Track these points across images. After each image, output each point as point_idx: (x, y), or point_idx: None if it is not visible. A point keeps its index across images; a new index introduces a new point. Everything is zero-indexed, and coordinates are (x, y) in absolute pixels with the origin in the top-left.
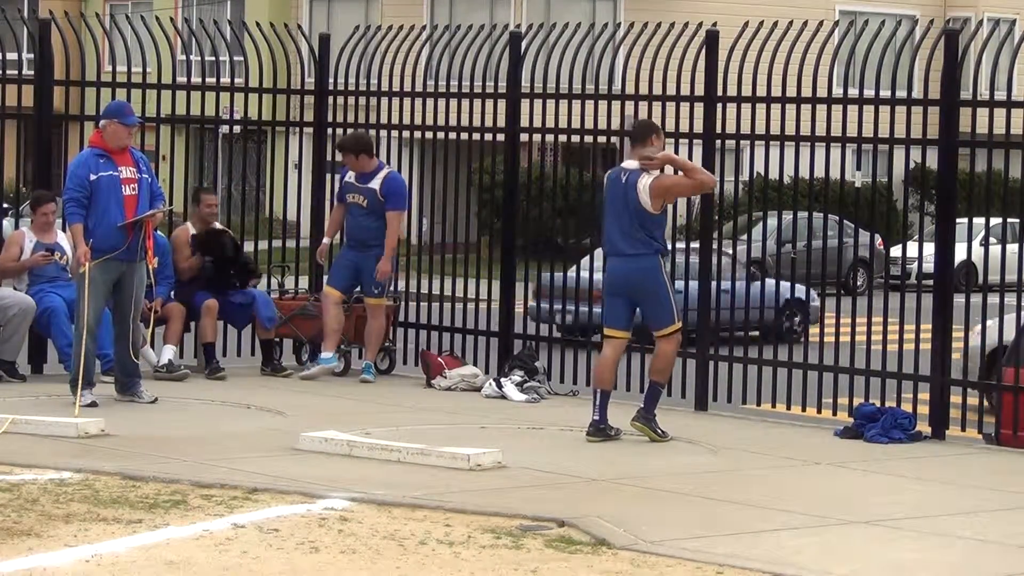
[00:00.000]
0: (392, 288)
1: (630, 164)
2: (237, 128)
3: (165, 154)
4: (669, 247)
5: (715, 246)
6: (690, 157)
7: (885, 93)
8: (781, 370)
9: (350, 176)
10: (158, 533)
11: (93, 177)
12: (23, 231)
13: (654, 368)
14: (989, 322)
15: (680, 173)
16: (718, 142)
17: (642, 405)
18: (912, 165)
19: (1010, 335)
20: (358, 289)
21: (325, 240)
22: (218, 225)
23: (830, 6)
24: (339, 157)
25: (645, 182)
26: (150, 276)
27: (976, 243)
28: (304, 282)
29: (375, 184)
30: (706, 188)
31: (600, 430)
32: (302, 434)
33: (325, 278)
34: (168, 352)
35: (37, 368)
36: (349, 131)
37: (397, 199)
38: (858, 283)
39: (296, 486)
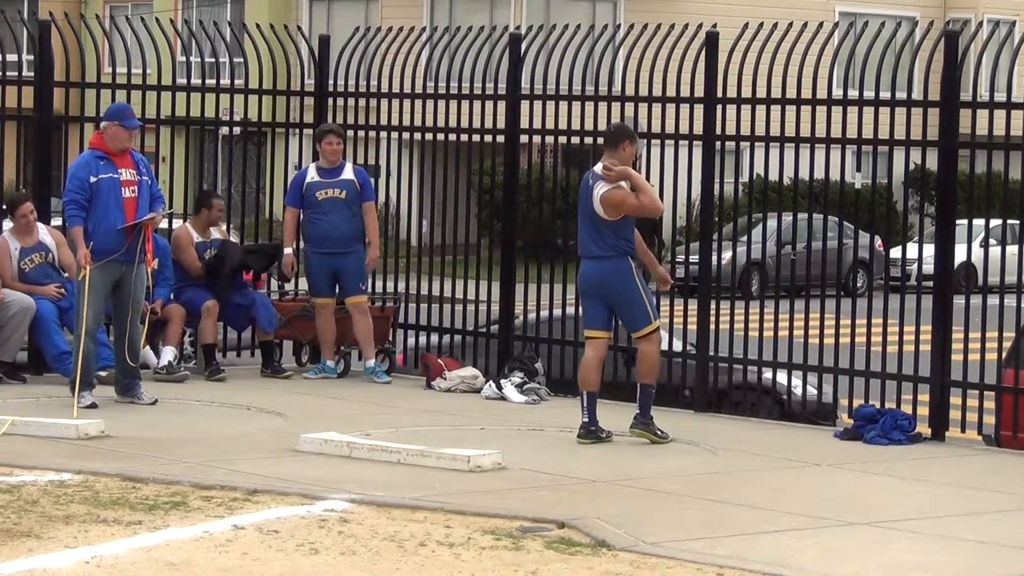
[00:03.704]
0: (392, 290)
1: (599, 168)
2: (237, 130)
3: (165, 156)
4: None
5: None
6: (690, 158)
7: (885, 94)
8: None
9: (312, 176)
10: (158, 534)
11: (93, 179)
12: (5, 238)
13: (640, 371)
14: None
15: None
16: (718, 143)
17: (638, 410)
18: (912, 166)
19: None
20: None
21: (289, 250)
22: (217, 233)
23: (830, 7)
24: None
25: (599, 191)
26: (149, 278)
27: (976, 244)
28: (304, 284)
29: (348, 175)
30: (648, 212)
31: (591, 432)
32: (302, 435)
33: (306, 288)
34: (168, 354)
35: (37, 370)
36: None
37: (371, 188)
38: (858, 284)
39: (296, 487)
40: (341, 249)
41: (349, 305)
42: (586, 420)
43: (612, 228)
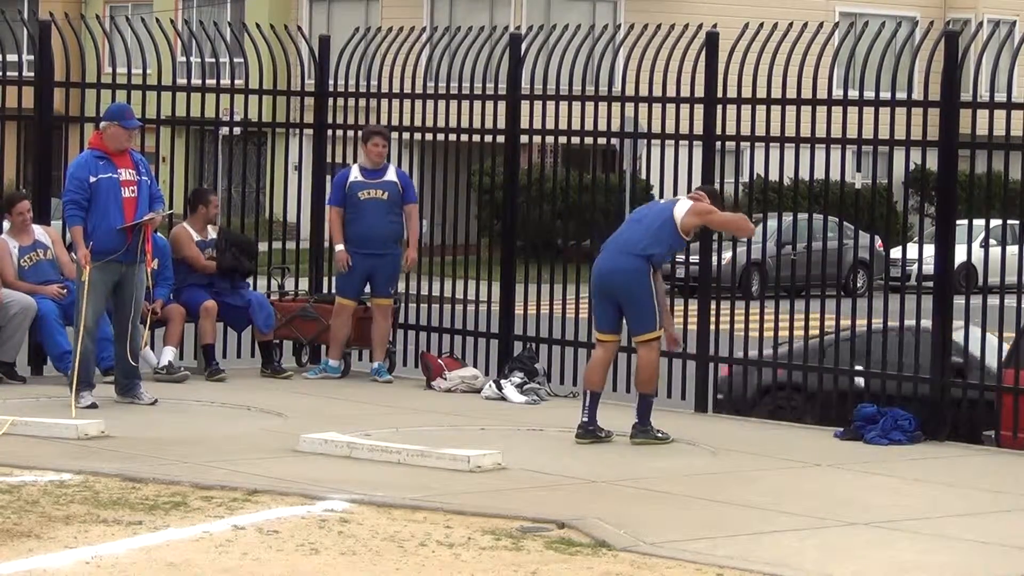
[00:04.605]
0: (392, 290)
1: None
2: (237, 130)
3: (165, 156)
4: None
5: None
6: (690, 158)
7: (885, 95)
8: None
9: (355, 175)
10: (158, 535)
11: (93, 179)
12: (4, 240)
13: (639, 380)
14: None
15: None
16: (718, 144)
17: (636, 420)
18: (912, 167)
19: None
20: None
21: (341, 247)
22: (214, 232)
23: (830, 7)
24: (339, 155)
25: (687, 203)
26: (149, 278)
27: (976, 245)
28: (304, 284)
29: (391, 177)
30: (736, 228)
31: (589, 431)
32: (302, 436)
33: (335, 287)
34: (168, 354)
35: (37, 370)
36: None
37: (414, 190)
38: (858, 284)
39: (296, 488)
40: (379, 250)
41: (374, 306)
42: (585, 420)
43: (671, 242)
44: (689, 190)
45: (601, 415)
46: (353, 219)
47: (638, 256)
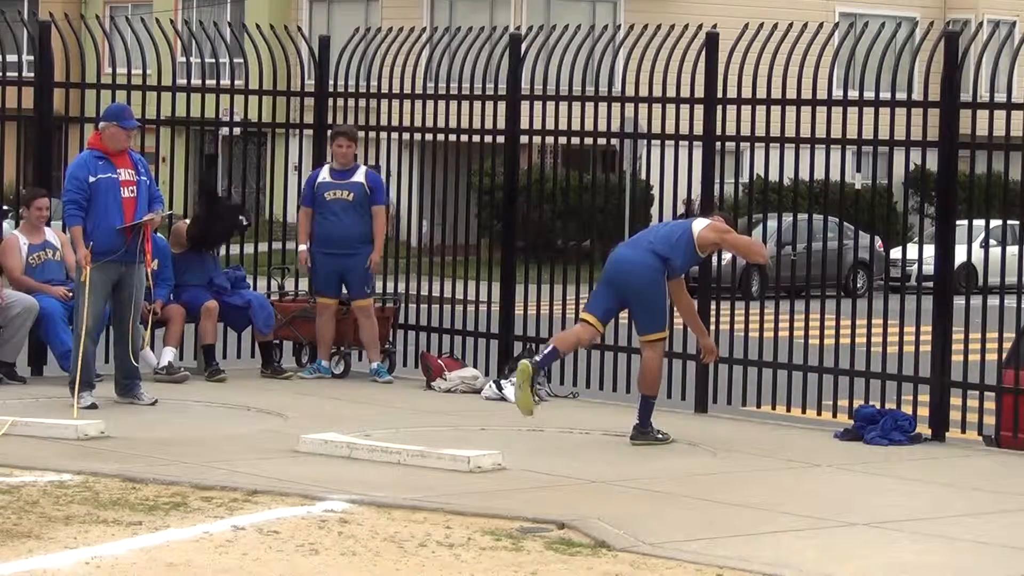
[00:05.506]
0: (392, 290)
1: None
2: (237, 130)
3: (165, 156)
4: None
5: None
6: (690, 158)
7: (885, 95)
8: (781, 372)
9: (323, 176)
10: (158, 535)
11: (92, 179)
12: (16, 236)
13: (643, 382)
14: None
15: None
16: (718, 144)
17: (637, 420)
18: (912, 167)
19: None
20: (345, 293)
21: (303, 247)
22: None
23: (830, 8)
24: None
25: (706, 220)
26: (149, 279)
27: (976, 245)
28: (304, 284)
29: (359, 178)
30: (746, 251)
31: (539, 372)
32: (302, 436)
33: (312, 287)
34: (168, 354)
35: (37, 370)
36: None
37: (382, 192)
38: (858, 285)
39: (296, 488)
40: (345, 251)
41: (355, 308)
42: (538, 359)
43: (687, 251)
44: (689, 190)
45: (601, 415)
46: (320, 220)
47: (654, 254)
